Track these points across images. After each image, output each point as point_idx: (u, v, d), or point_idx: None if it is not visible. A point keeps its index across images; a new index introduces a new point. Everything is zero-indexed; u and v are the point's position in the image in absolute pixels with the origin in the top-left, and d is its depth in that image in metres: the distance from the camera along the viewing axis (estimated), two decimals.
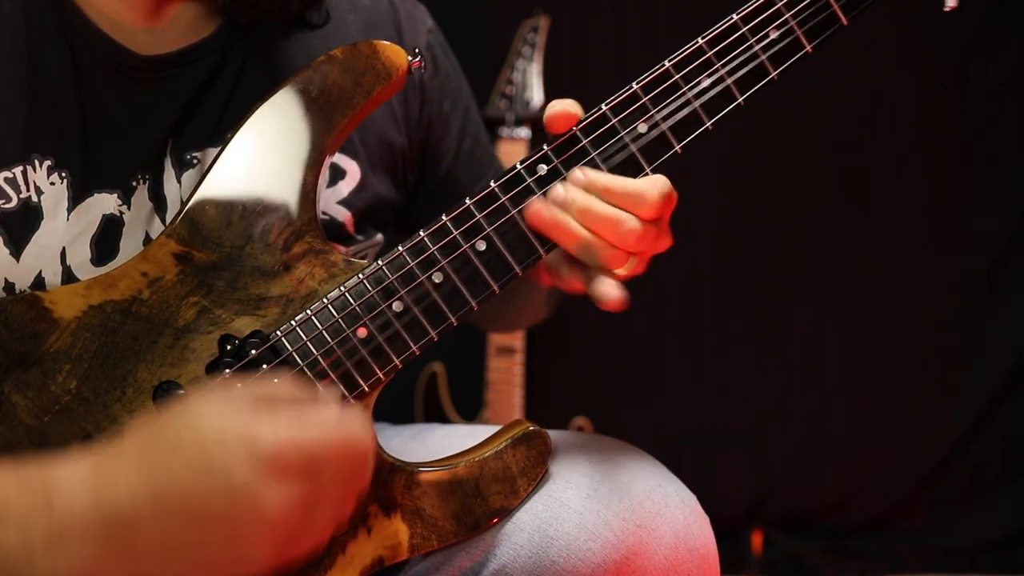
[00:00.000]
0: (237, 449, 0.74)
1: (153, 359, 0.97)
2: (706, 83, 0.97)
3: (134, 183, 1.05)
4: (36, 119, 1.02)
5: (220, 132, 1.07)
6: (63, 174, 1.02)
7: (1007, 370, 2.72)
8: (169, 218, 1.05)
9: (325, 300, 0.97)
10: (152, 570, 0.76)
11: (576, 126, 0.97)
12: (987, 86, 2.69)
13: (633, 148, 0.97)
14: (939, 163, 2.71)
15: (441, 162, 1.29)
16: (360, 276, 0.97)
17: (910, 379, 2.73)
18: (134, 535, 0.74)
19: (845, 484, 2.73)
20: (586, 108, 0.98)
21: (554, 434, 1.03)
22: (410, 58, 1.00)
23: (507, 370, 2.36)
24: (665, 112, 0.97)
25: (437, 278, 0.97)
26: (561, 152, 0.97)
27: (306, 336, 0.97)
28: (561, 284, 1.04)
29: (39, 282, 1.02)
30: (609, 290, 0.96)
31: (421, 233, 0.98)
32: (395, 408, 1.78)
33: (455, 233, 0.97)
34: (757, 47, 0.96)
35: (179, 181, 1.07)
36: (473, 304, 0.98)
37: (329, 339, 0.97)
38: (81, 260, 1.03)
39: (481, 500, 0.98)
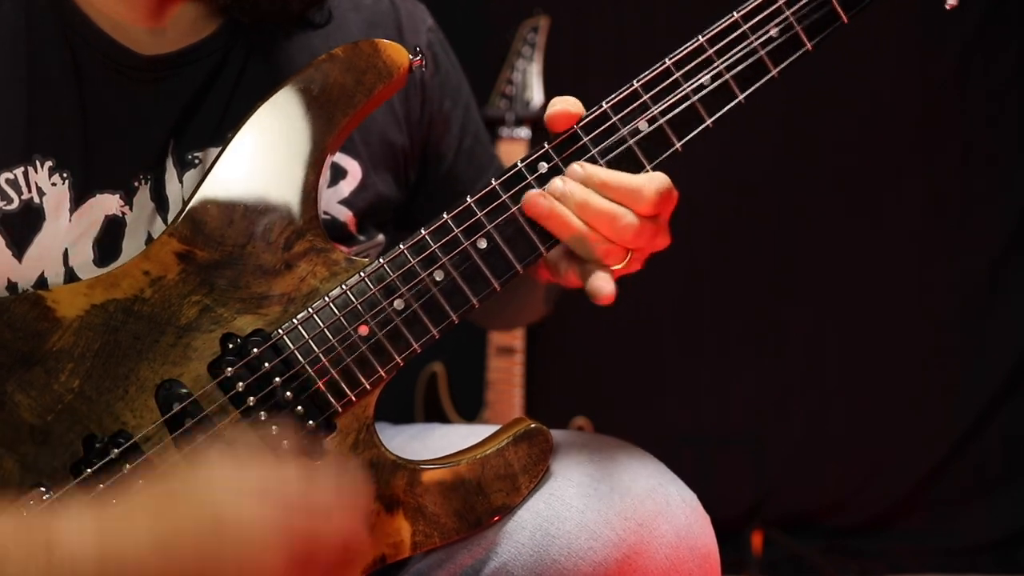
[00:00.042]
0: (250, 500, 0.74)
1: (155, 358, 0.97)
2: (706, 81, 0.97)
3: (136, 183, 1.05)
4: (37, 119, 1.02)
5: (222, 132, 1.07)
6: (64, 175, 1.02)
7: (1007, 370, 2.72)
8: (171, 218, 1.05)
9: (327, 298, 0.97)
10: None
11: (577, 124, 0.97)
12: (987, 86, 2.69)
13: (634, 145, 0.97)
14: (939, 163, 2.71)
15: (442, 161, 1.29)
16: (361, 274, 0.98)
17: (910, 379, 2.73)
18: None
19: (845, 484, 2.73)
20: (587, 107, 0.98)
21: (555, 433, 1.03)
22: (411, 57, 1.01)
23: (507, 370, 2.36)
24: (665, 109, 0.97)
25: (438, 276, 0.98)
26: (562, 150, 0.97)
27: (308, 334, 0.97)
28: (559, 279, 1.04)
29: (42, 282, 1.02)
30: (602, 284, 0.96)
31: (422, 231, 0.98)
32: (395, 408, 1.78)
33: (456, 231, 0.97)
34: (757, 44, 0.96)
35: (181, 181, 1.07)
36: (474, 301, 0.98)
37: (331, 337, 0.97)
38: (83, 261, 1.03)
39: (483, 498, 0.98)
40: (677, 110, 0.97)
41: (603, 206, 0.94)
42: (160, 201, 1.06)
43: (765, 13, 0.96)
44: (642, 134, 0.97)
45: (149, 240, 1.05)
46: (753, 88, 0.97)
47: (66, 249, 1.03)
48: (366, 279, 0.98)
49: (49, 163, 1.02)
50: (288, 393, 0.97)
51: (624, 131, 0.97)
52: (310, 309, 0.97)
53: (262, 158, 0.99)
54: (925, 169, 2.71)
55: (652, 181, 0.95)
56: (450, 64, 1.29)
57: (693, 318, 2.73)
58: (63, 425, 0.96)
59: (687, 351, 2.75)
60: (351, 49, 1.00)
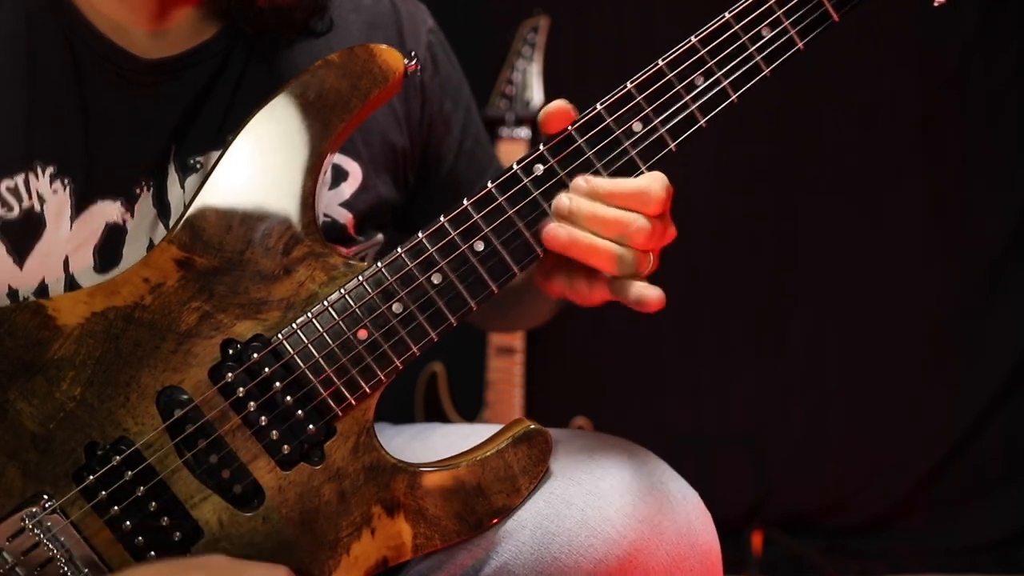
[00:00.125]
0: None
1: (156, 364, 0.97)
2: (699, 81, 0.97)
3: (137, 190, 1.05)
4: (37, 124, 1.02)
5: (223, 135, 1.07)
6: (65, 181, 1.02)
7: (1007, 370, 2.72)
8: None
9: (326, 303, 0.98)
10: None
11: (571, 126, 0.97)
12: (987, 86, 2.68)
13: (628, 147, 0.97)
14: (939, 163, 2.71)
15: (443, 162, 1.29)
16: (360, 278, 0.98)
17: (910, 379, 2.73)
18: None
19: (845, 484, 2.73)
20: (584, 108, 0.98)
21: (555, 432, 1.03)
22: (406, 61, 1.01)
23: (507, 370, 2.36)
24: (659, 110, 0.97)
25: (436, 279, 0.98)
26: (557, 152, 0.98)
27: (307, 339, 0.98)
28: (580, 300, 1.01)
29: (42, 289, 1.02)
30: (647, 292, 0.95)
31: (420, 234, 0.98)
32: (395, 408, 1.78)
33: (453, 234, 0.98)
34: (749, 43, 0.97)
35: (183, 186, 1.07)
36: (472, 304, 0.98)
37: (330, 341, 0.98)
38: (84, 268, 1.03)
39: (483, 499, 0.99)
40: (671, 111, 0.97)
41: (614, 215, 0.94)
42: (162, 207, 1.06)
43: (757, 13, 0.96)
44: (636, 135, 0.97)
45: (151, 247, 1.05)
46: (746, 87, 0.97)
47: (67, 256, 1.03)
48: (364, 283, 0.98)
49: (50, 169, 1.02)
50: (288, 398, 0.97)
51: (618, 133, 0.97)
52: (309, 314, 0.98)
53: (259, 164, 0.99)
54: (925, 169, 2.71)
55: (655, 181, 0.95)
56: (450, 65, 1.29)
57: (693, 318, 2.73)
58: (65, 433, 0.96)
59: (687, 351, 2.75)
60: (347, 54, 1.00)
